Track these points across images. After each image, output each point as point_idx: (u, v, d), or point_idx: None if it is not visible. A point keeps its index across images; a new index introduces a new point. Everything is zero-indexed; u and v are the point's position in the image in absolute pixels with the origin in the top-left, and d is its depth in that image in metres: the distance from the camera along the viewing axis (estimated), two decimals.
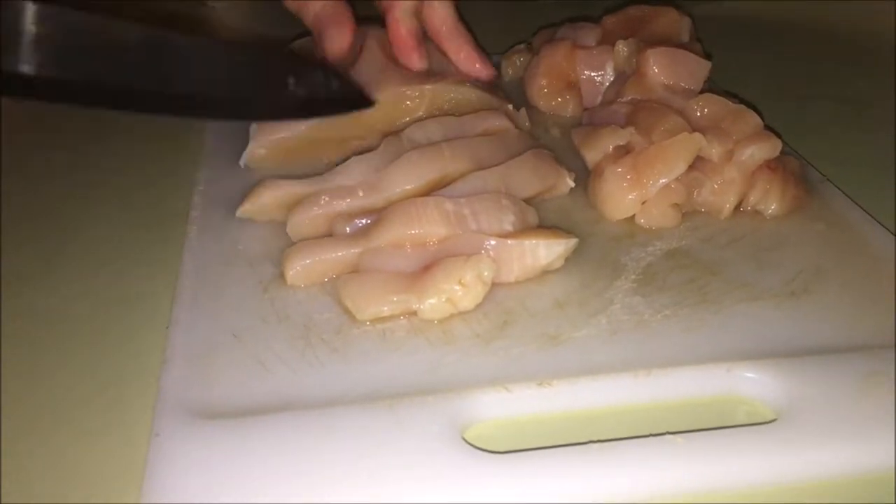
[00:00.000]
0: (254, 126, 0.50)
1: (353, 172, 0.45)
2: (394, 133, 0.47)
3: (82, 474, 0.35)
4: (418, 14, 0.55)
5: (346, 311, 0.40)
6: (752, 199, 0.48)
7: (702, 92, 0.51)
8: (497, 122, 0.49)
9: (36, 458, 0.35)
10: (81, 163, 0.59)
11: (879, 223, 0.46)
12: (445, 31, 0.55)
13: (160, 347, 0.39)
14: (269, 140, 0.51)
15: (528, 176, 0.46)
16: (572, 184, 0.49)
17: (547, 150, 0.49)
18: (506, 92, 0.60)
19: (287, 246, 0.44)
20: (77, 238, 0.50)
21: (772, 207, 0.47)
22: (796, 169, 0.49)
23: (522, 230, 0.42)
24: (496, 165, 0.45)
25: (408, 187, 0.44)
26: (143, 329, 0.42)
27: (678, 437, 0.33)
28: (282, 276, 0.43)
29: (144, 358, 0.40)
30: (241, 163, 0.52)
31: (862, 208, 0.47)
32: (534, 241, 0.41)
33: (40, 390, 0.39)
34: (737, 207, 0.48)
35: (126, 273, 0.47)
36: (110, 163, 0.59)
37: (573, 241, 0.42)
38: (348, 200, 0.44)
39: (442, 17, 0.55)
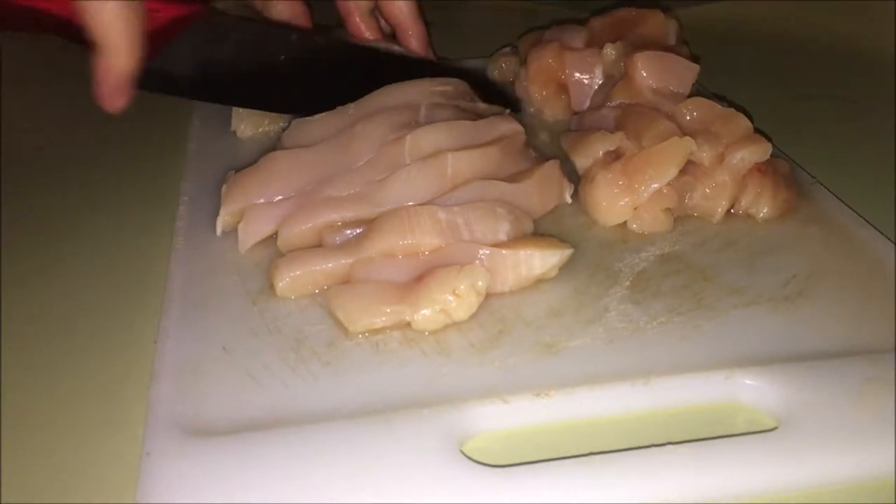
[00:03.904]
0: (224, 188, 0.47)
1: (347, 185, 0.44)
2: (395, 139, 0.45)
3: (82, 474, 0.34)
4: (378, 8, 0.60)
5: (338, 323, 0.40)
6: (744, 202, 0.47)
7: (690, 95, 0.50)
8: (509, 127, 0.47)
9: (36, 458, 0.35)
10: (81, 163, 0.59)
11: (872, 225, 0.46)
12: (404, 26, 0.60)
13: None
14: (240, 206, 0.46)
15: (535, 199, 0.45)
16: (570, 200, 0.48)
17: (554, 160, 0.48)
18: None
19: (276, 256, 0.44)
20: (77, 237, 0.50)
21: (763, 210, 0.47)
22: (786, 171, 0.49)
23: (517, 239, 0.42)
24: (501, 178, 0.44)
25: (405, 205, 0.42)
26: (144, 328, 0.42)
27: (680, 448, 0.32)
28: (271, 287, 0.42)
29: (145, 357, 0.39)
30: (218, 231, 0.46)
31: (854, 210, 0.47)
32: (528, 252, 0.41)
33: (40, 390, 0.39)
34: (728, 211, 0.47)
35: (127, 271, 0.47)
36: (111, 164, 0.59)
37: (568, 252, 0.42)
38: (340, 214, 0.43)
39: (403, 13, 0.59)
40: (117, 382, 0.39)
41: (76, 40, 0.44)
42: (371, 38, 0.59)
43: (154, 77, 0.48)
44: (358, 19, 0.59)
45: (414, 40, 0.60)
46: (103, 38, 0.42)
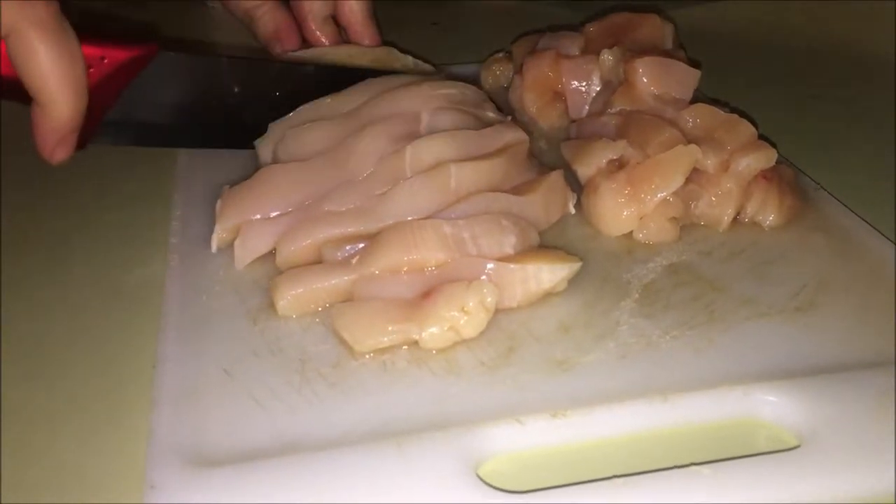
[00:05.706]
0: (218, 203, 0.45)
1: (347, 199, 0.43)
2: (395, 151, 0.44)
3: (82, 474, 0.34)
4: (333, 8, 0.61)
5: (343, 343, 0.39)
6: (750, 210, 0.47)
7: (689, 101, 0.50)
8: (514, 136, 0.46)
9: (36, 458, 0.35)
10: (82, 164, 0.57)
11: (876, 230, 0.46)
12: (355, 26, 0.61)
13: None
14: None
15: (540, 211, 0.45)
16: (573, 210, 0.47)
17: (558, 171, 0.47)
18: None
19: (274, 273, 0.42)
20: (80, 236, 0.50)
21: (770, 218, 0.46)
22: (791, 178, 0.49)
23: (524, 252, 0.41)
24: (505, 188, 0.43)
25: (408, 219, 0.41)
26: (145, 329, 0.41)
27: (703, 468, 0.31)
28: (271, 305, 0.41)
29: (146, 358, 0.39)
30: (213, 248, 0.45)
31: (859, 216, 0.47)
32: (537, 266, 0.40)
33: (41, 390, 0.38)
34: (734, 219, 0.47)
35: (128, 271, 0.46)
36: (112, 165, 0.57)
37: (577, 264, 0.41)
38: (340, 229, 0.42)
39: (354, 13, 0.61)
40: (117, 384, 0.39)
41: (16, 98, 0.41)
42: (327, 43, 0.60)
43: (113, 128, 0.46)
44: (313, 26, 0.60)
45: (365, 41, 0.61)
46: (40, 89, 0.40)
